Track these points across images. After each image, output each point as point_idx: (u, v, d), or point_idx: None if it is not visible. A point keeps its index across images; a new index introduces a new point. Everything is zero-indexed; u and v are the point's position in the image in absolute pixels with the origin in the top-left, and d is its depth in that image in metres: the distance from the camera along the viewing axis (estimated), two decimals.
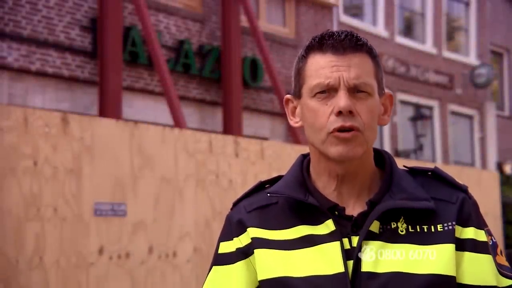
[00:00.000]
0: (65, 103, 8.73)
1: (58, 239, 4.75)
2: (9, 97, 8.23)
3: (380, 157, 1.51)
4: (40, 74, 8.56)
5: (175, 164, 5.60)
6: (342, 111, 1.37)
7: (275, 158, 6.49)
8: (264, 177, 6.24)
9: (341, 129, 1.38)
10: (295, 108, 1.49)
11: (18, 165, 4.60)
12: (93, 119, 5.52)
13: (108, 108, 8.42)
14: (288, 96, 1.51)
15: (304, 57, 1.44)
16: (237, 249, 1.48)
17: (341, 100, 1.37)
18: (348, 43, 1.40)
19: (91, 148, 5.02)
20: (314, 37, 1.45)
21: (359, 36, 1.42)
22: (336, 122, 1.38)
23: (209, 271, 1.52)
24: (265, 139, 10.57)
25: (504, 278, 1.43)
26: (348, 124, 1.37)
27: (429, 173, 1.50)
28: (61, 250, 4.76)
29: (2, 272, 4.46)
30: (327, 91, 1.39)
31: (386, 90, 1.49)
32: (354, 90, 1.39)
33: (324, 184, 1.46)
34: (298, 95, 1.46)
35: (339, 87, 1.38)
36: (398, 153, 14.34)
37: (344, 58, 1.39)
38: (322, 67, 1.40)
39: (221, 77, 10.45)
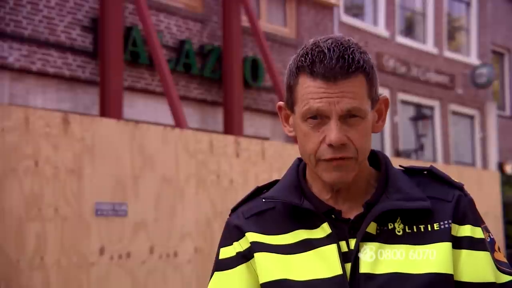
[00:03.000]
0: (66, 103, 8.74)
1: (59, 239, 4.76)
2: (10, 97, 8.24)
3: (375, 157, 1.51)
4: (41, 74, 8.56)
5: (176, 164, 5.60)
6: (333, 144, 1.35)
7: (276, 158, 6.49)
8: (265, 177, 6.24)
9: (332, 159, 1.37)
10: (288, 116, 1.47)
11: (19, 165, 4.60)
12: (94, 119, 5.52)
13: (109, 108, 8.43)
14: (281, 103, 1.49)
15: (295, 75, 1.39)
16: (237, 253, 1.48)
17: (332, 132, 1.34)
18: (339, 70, 1.33)
19: (92, 148, 5.02)
20: (304, 52, 1.38)
21: (353, 56, 1.35)
22: (326, 153, 1.37)
23: (210, 278, 1.52)
24: (266, 139, 10.57)
25: (503, 274, 1.43)
26: (339, 155, 1.36)
27: (425, 172, 1.50)
28: (62, 250, 4.77)
29: (3, 272, 4.46)
30: (318, 117, 1.36)
31: (382, 94, 1.46)
32: (347, 116, 1.36)
33: (320, 190, 1.46)
34: (291, 109, 1.44)
35: (331, 115, 1.35)
36: (399, 153, 14.33)
37: (336, 86, 1.34)
38: (312, 93, 1.35)
39: (222, 77, 10.45)
